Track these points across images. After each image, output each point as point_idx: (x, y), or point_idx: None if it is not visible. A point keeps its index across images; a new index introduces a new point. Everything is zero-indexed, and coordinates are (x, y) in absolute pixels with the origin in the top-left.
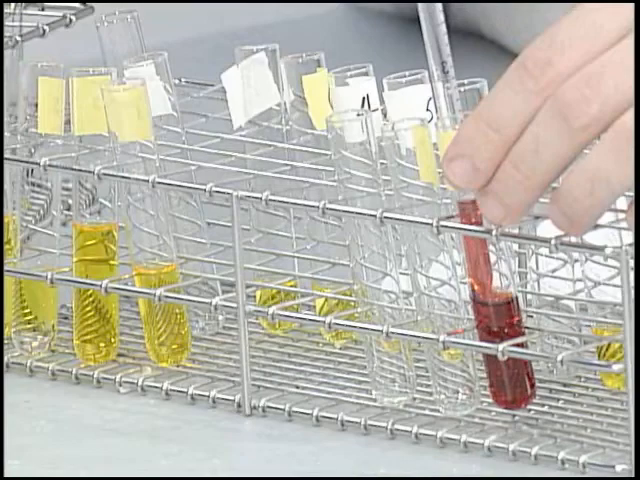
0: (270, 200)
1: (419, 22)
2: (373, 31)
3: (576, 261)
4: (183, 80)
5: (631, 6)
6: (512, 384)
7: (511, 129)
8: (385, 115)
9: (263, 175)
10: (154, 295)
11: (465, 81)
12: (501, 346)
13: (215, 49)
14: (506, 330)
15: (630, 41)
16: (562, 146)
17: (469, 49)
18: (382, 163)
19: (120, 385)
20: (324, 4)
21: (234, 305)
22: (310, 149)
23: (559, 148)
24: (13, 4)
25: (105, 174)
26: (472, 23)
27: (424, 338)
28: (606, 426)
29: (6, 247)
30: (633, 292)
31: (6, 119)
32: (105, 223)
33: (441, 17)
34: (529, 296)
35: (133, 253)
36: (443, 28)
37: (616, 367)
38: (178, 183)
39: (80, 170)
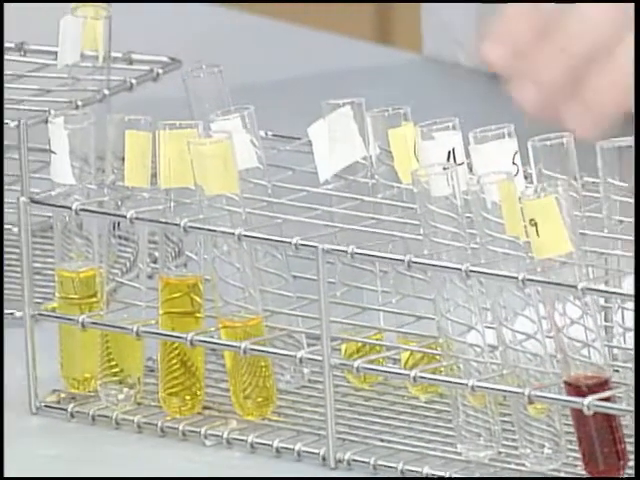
0: (356, 253)
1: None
2: (457, 85)
3: None
4: (269, 133)
5: None
6: (604, 454)
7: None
8: (471, 169)
9: (349, 228)
10: (239, 348)
11: (552, 135)
12: (587, 400)
13: (297, 96)
14: (592, 386)
15: None
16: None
17: None
18: (468, 217)
19: (205, 438)
20: (405, 55)
21: (319, 358)
22: (396, 203)
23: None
24: (101, 58)
25: (191, 227)
26: None
27: (510, 392)
28: None
29: (93, 300)
30: None
31: (93, 172)
32: (191, 275)
33: None
34: (615, 350)
35: (219, 306)
36: None
37: None
38: (264, 236)
39: (166, 223)
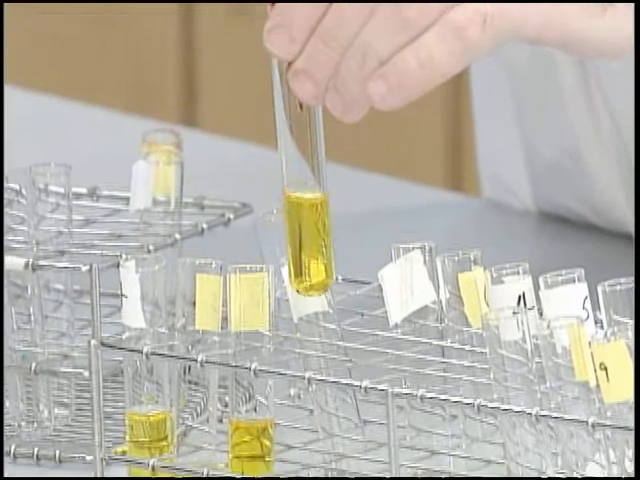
0: (425, 397)
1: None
2: (519, 229)
3: None
4: (340, 278)
5: None
6: None
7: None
8: (541, 313)
9: (419, 373)
10: None
11: (622, 279)
12: None
13: (364, 236)
14: None
15: None
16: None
17: (619, 249)
18: (538, 361)
19: None
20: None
21: None
22: (466, 347)
23: (360, 19)
24: (173, 203)
25: (261, 370)
26: (619, 224)
27: None
28: None
29: (163, 443)
30: None
31: (164, 316)
32: (261, 419)
33: None
34: None
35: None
36: None
37: None
38: (334, 379)
39: (237, 366)
